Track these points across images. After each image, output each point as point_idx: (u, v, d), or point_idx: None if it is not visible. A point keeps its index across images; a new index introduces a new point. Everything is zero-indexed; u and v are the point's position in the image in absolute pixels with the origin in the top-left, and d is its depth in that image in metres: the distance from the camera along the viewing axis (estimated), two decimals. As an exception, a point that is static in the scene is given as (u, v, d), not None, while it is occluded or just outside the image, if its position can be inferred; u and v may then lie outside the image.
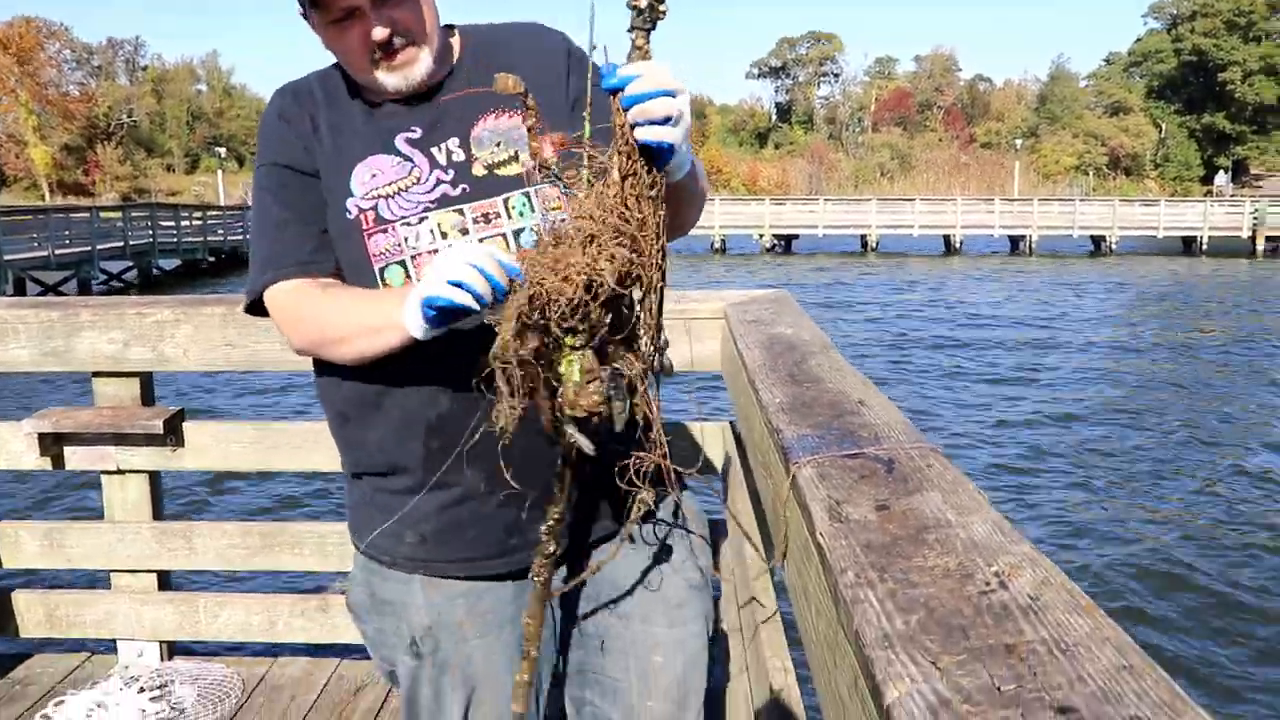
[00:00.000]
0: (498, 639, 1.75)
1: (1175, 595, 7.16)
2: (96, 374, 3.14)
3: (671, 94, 1.28)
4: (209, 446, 3.15)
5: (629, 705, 1.80)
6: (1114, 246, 43.26)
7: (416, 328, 1.43)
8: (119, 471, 3.19)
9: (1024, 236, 44.37)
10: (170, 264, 34.14)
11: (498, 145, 1.68)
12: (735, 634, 2.71)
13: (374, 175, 1.65)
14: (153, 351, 3.04)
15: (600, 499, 1.75)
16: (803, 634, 1.11)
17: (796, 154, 79.72)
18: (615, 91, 1.27)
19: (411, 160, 1.66)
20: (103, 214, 30.97)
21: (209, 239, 35.94)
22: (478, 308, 1.34)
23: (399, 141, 1.66)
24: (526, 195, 1.67)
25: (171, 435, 3.09)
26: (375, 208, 1.64)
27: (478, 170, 1.67)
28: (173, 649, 3.42)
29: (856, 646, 0.79)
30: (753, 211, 45.73)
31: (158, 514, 3.28)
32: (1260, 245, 41.16)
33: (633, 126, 1.27)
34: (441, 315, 1.39)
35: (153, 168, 75.87)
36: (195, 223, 35.54)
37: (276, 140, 1.72)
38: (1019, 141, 72.57)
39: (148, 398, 3.20)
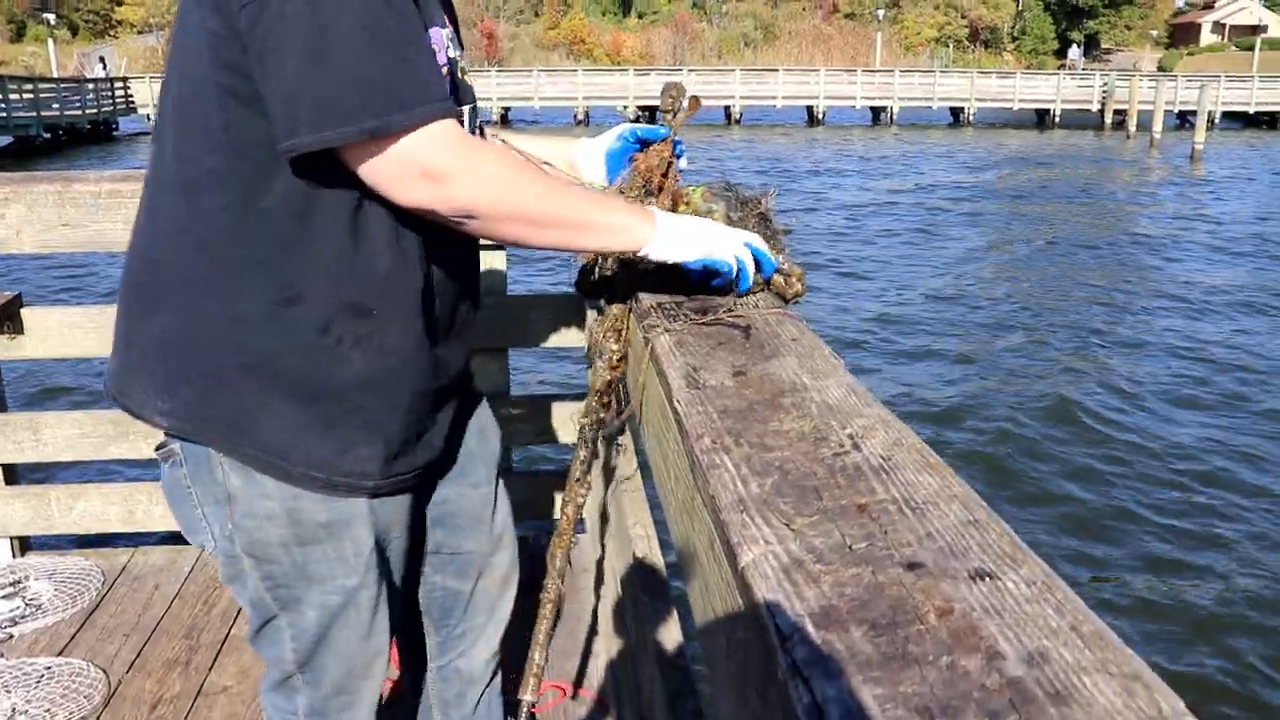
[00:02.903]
0: (411, 533, 1.64)
1: (1021, 458, 7.54)
2: (-81, 259, 2.95)
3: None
4: (50, 332, 3.00)
5: (477, 570, 1.83)
6: (972, 118, 44.11)
7: (680, 251, 1.40)
8: (-48, 362, 3.03)
9: (885, 108, 44.92)
10: (1, 141, 32.05)
11: (460, 51, 1.51)
12: (599, 503, 2.74)
13: (434, 51, 1.37)
14: (-20, 234, 2.86)
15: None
16: (662, 500, 1.11)
17: (660, 24, 78.50)
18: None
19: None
20: (-81, 88, 28.79)
21: (43, 114, 33.69)
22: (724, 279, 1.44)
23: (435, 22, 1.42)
24: (475, 109, 1.54)
25: (8, 323, 2.93)
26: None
27: (460, 74, 1.50)
28: (25, 545, 3.31)
29: (713, 511, 0.80)
30: (616, 82, 44.89)
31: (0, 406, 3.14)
32: (1109, 118, 42.43)
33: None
34: (711, 272, 1.43)
35: (-28, 37, 70.51)
36: (26, 96, 33.22)
37: None
38: (881, 13, 72.69)
39: (-21, 283, 3.02)
